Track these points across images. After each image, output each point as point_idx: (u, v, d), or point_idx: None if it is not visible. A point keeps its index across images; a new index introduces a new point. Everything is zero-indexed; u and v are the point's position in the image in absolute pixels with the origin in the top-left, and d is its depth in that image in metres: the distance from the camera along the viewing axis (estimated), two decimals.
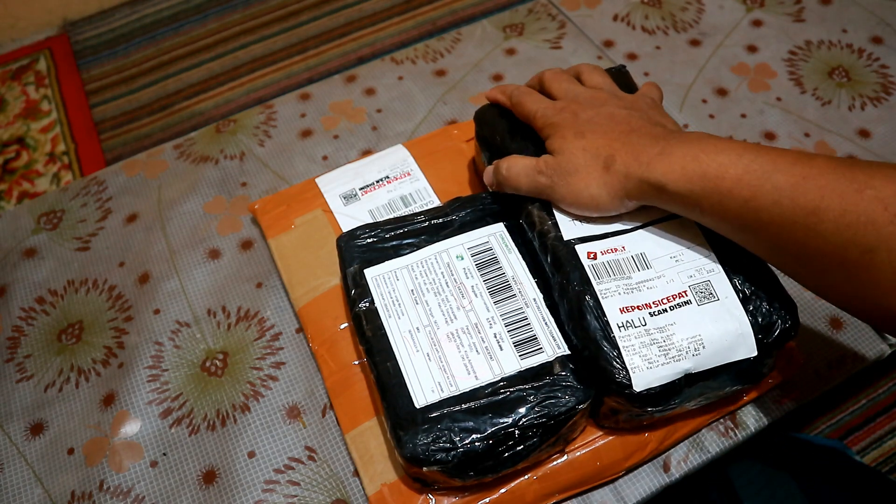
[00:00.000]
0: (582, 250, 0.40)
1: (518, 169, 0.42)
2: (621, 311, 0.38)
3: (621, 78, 0.51)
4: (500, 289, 0.42)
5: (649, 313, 0.38)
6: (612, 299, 0.39)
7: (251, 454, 0.45)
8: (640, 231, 0.41)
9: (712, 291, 0.39)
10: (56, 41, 1.52)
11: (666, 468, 0.43)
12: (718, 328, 0.38)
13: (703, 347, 0.38)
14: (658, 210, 0.42)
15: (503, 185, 0.44)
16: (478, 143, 0.50)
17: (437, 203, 0.52)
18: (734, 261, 0.40)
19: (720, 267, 0.40)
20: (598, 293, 0.39)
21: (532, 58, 0.66)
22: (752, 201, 0.34)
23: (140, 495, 0.44)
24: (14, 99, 1.42)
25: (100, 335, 0.51)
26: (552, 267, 0.41)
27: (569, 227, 0.41)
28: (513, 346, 0.40)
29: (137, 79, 1.41)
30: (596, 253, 0.40)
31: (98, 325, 0.52)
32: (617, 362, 0.37)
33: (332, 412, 0.46)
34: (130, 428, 0.47)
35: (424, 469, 0.37)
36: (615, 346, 0.37)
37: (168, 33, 1.49)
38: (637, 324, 0.38)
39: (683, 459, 0.44)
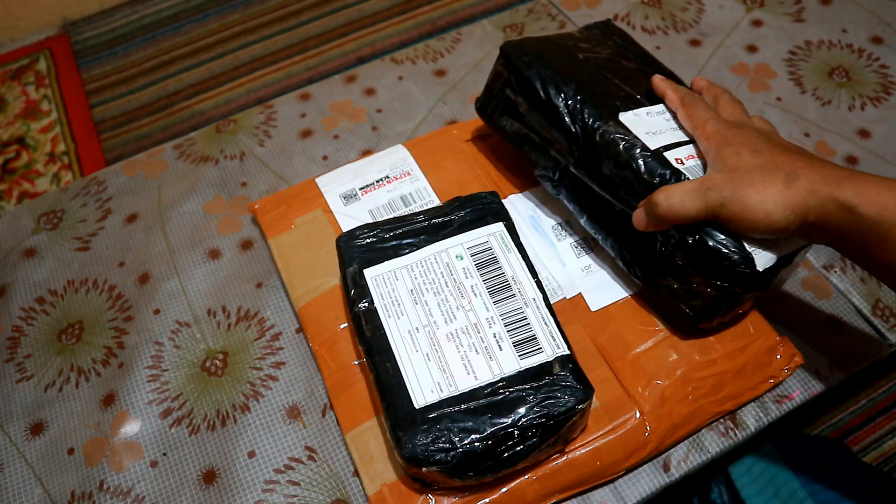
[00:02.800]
0: (671, 156, 0.42)
1: (680, 195, 0.39)
2: None
3: (609, 30, 0.53)
4: (499, 289, 0.42)
5: None
6: None
7: (251, 454, 0.45)
8: None
9: None
10: (56, 41, 1.52)
11: (666, 468, 0.43)
12: None
13: None
14: None
15: (664, 220, 0.40)
16: (512, 80, 0.49)
17: (437, 203, 0.52)
18: None
19: None
20: None
21: None
22: None
23: (140, 495, 0.44)
24: (14, 99, 1.42)
25: (100, 335, 0.51)
26: (645, 176, 0.42)
27: (650, 140, 0.44)
28: (512, 346, 0.40)
29: (137, 79, 1.41)
30: (682, 158, 0.43)
31: (98, 325, 0.52)
32: (736, 247, 0.39)
33: (332, 412, 0.46)
34: (130, 428, 0.47)
35: (424, 469, 0.37)
36: (728, 234, 0.39)
37: (168, 33, 1.49)
38: None
39: (683, 459, 0.44)
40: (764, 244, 0.40)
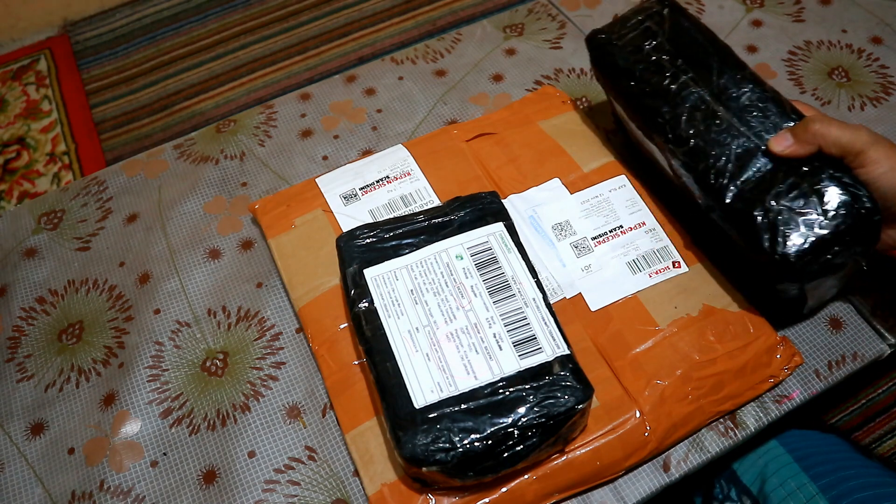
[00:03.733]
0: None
1: (838, 125, 0.41)
2: None
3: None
4: (499, 288, 0.42)
5: None
6: None
7: (251, 454, 0.45)
8: None
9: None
10: (56, 41, 1.52)
11: (666, 468, 0.43)
12: None
13: None
14: None
15: (814, 141, 0.41)
16: (640, 17, 0.51)
17: (437, 203, 0.52)
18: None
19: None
20: None
21: (532, 58, 0.66)
22: None
23: (140, 495, 0.44)
24: (14, 99, 1.43)
25: (100, 335, 0.51)
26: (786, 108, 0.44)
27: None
28: (512, 346, 0.40)
29: (138, 79, 1.42)
30: None
31: (98, 324, 0.52)
32: (867, 193, 0.40)
33: (333, 412, 0.46)
34: (131, 428, 0.47)
35: (424, 469, 0.37)
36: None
37: (168, 33, 1.49)
38: None
39: (683, 459, 0.44)
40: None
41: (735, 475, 0.52)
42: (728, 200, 0.43)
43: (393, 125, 0.62)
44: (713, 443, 0.44)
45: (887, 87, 0.62)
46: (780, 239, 0.40)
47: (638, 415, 0.42)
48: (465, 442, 0.37)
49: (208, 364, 0.49)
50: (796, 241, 0.40)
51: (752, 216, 0.42)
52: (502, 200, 0.49)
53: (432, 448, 0.37)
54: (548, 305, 0.42)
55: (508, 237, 0.45)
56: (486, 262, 0.44)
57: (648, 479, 0.43)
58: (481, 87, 0.64)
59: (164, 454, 0.46)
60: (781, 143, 0.43)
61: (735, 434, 0.44)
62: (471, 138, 0.57)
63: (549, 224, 0.51)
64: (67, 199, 0.60)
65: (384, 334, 0.41)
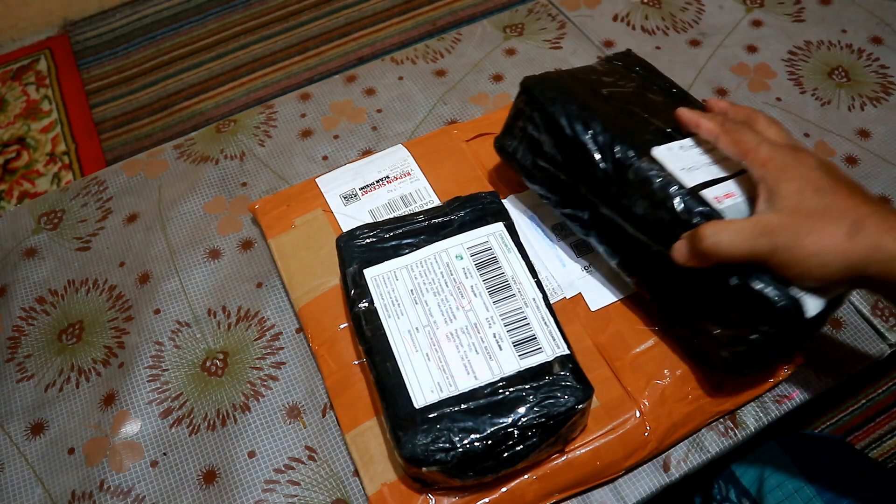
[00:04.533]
0: (709, 195, 0.40)
1: (731, 234, 0.36)
2: None
3: (630, 61, 0.52)
4: (499, 288, 0.42)
5: None
6: None
7: (251, 454, 0.45)
8: (740, 176, 0.41)
9: None
10: (56, 41, 1.52)
11: (666, 468, 0.43)
12: None
13: None
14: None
15: (707, 256, 0.37)
16: (535, 112, 0.46)
17: (437, 203, 0.52)
18: None
19: None
20: None
21: (532, 58, 0.66)
22: None
23: (140, 495, 0.44)
24: (14, 99, 1.42)
25: (100, 335, 0.51)
26: (683, 216, 0.40)
27: (686, 176, 0.41)
28: (512, 346, 0.40)
29: (138, 79, 1.41)
30: (720, 197, 0.40)
31: (98, 324, 0.52)
32: (782, 292, 0.36)
33: (333, 412, 0.46)
34: (131, 428, 0.47)
35: (424, 469, 0.37)
36: (775, 278, 0.37)
37: (168, 33, 1.49)
38: None
39: (683, 459, 0.44)
40: (811, 288, 0.37)
41: (734, 476, 0.52)
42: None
43: (393, 125, 0.62)
44: (713, 443, 0.44)
45: (887, 87, 0.62)
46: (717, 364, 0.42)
47: (638, 415, 0.42)
48: (465, 442, 0.37)
49: (208, 364, 0.49)
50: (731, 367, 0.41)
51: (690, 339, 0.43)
52: (502, 200, 0.49)
53: (432, 448, 0.37)
54: (548, 305, 0.42)
55: (508, 237, 0.45)
56: (486, 262, 0.44)
57: (648, 479, 0.43)
58: (481, 87, 0.64)
59: (164, 454, 0.46)
60: (680, 257, 0.39)
61: (735, 434, 0.44)
62: (471, 138, 0.57)
63: (549, 224, 0.51)
64: (67, 199, 0.60)
65: (384, 334, 0.41)
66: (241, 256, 0.54)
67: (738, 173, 0.42)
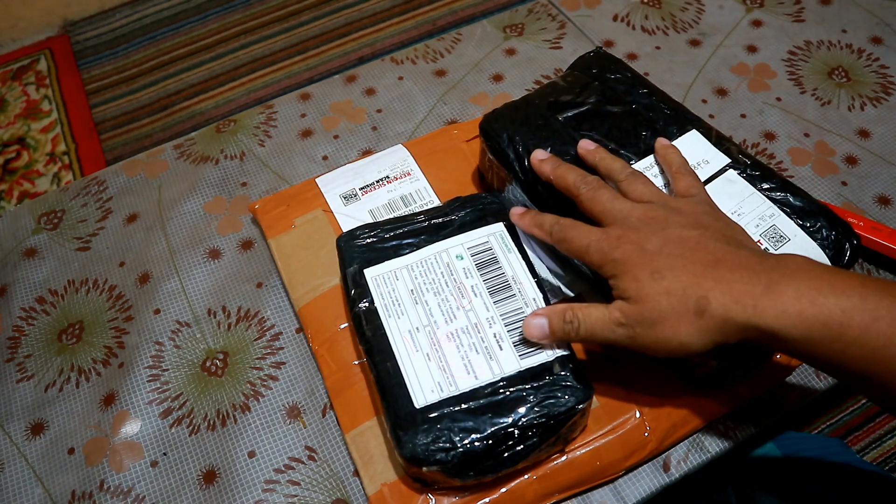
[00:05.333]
0: None
1: (592, 322, 0.36)
2: None
3: (601, 60, 0.52)
4: (499, 289, 0.42)
5: None
6: None
7: (251, 454, 0.45)
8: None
9: (782, 234, 0.41)
10: (56, 41, 1.52)
11: (666, 468, 0.43)
12: None
13: None
14: (701, 170, 0.43)
15: (573, 340, 0.38)
16: (493, 157, 0.49)
17: (437, 203, 0.52)
18: (784, 200, 0.43)
19: (778, 209, 0.42)
20: None
21: (532, 58, 0.66)
22: (881, 350, 0.30)
23: (140, 495, 0.44)
24: (14, 99, 1.43)
25: (100, 335, 0.51)
26: None
27: None
28: (512, 345, 0.40)
29: (138, 79, 1.41)
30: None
31: (98, 324, 0.52)
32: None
33: (333, 412, 0.46)
34: (131, 428, 0.47)
35: (424, 469, 0.37)
36: None
37: (168, 33, 1.49)
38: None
39: (683, 459, 0.44)
40: None
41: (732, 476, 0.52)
42: None
43: (393, 125, 0.62)
44: (713, 443, 0.44)
45: (887, 87, 0.62)
46: None
47: (638, 415, 0.42)
48: (466, 442, 0.37)
49: (208, 364, 0.49)
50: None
51: None
52: (502, 200, 0.48)
53: (433, 448, 0.37)
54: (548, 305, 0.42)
55: (509, 237, 0.45)
56: (486, 262, 0.44)
57: (648, 479, 0.43)
58: (481, 87, 0.64)
59: (164, 454, 0.46)
60: (536, 333, 0.38)
61: (735, 434, 0.44)
62: (471, 138, 0.57)
63: None
64: (67, 199, 0.60)
65: (384, 334, 0.41)
66: (241, 256, 0.54)
67: None
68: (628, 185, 0.40)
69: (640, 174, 0.41)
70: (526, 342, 0.40)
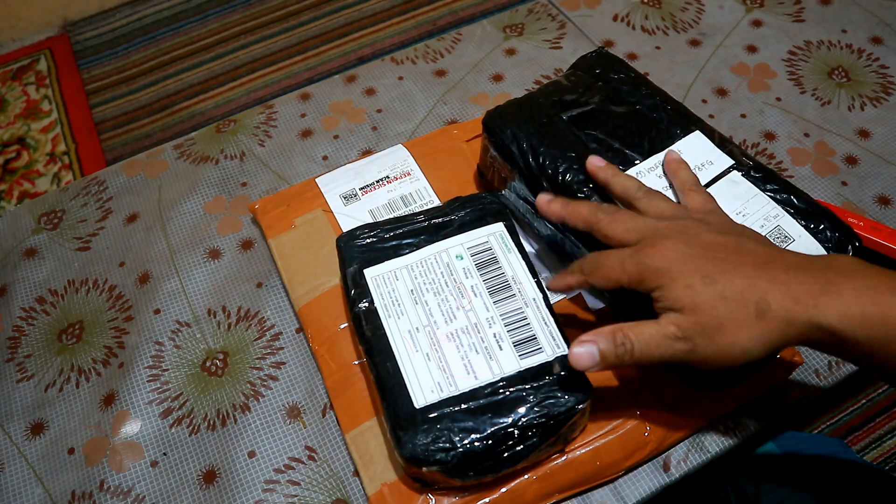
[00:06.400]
0: None
1: (646, 340, 0.34)
2: None
3: (603, 60, 0.52)
4: (499, 289, 0.42)
5: None
6: None
7: (251, 454, 0.45)
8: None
9: (787, 234, 0.41)
10: (56, 41, 1.52)
11: (666, 468, 0.43)
12: None
13: None
14: (704, 172, 0.43)
15: (627, 363, 0.35)
16: (495, 152, 0.49)
17: (437, 203, 0.52)
18: (788, 202, 0.43)
19: (783, 210, 0.42)
20: None
21: (532, 58, 0.66)
22: None
23: (140, 495, 0.44)
24: (14, 99, 1.42)
25: (100, 335, 0.51)
26: None
27: None
28: (512, 346, 0.40)
29: (138, 79, 1.41)
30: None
31: (98, 324, 0.52)
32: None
33: (333, 412, 0.46)
34: (131, 428, 0.47)
35: (424, 469, 0.37)
36: None
37: (168, 33, 1.49)
38: None
39: (683, 459, 0.44)
40: None
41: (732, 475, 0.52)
42: None
43: (393, 125, 0.62)
44: (713, 443, 0.44)
45: (887, 87, 0.62)
46: None
47: (638, 414, 0.42)
48: (466, 442, 0.37)
49: (208, 364, 0.49)
50: None
51: None
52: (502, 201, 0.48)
53: (432, 448, 0.37)
54: (548, 305, 0.42)
55: (508, 237, 0.45)
56: (486, 262, 0.44)
57: (648, 479, 0.43)
58: (481, 87, 0.64)
59: (164, 454, 0.46)
60: (586, 362, 0.35)
61: (735, 434, 0.44)
62: (471, 138, 0.57)
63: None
64: (67, 199, 0.60)
65: (384, 334, 0.41)
66: (241, 256, 0.54)
67: None
68: (648, 202, 0.39)
69: (656, 191, 0.40)
70: (526, 342, 0.40)
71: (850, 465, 0.51)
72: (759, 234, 0.37)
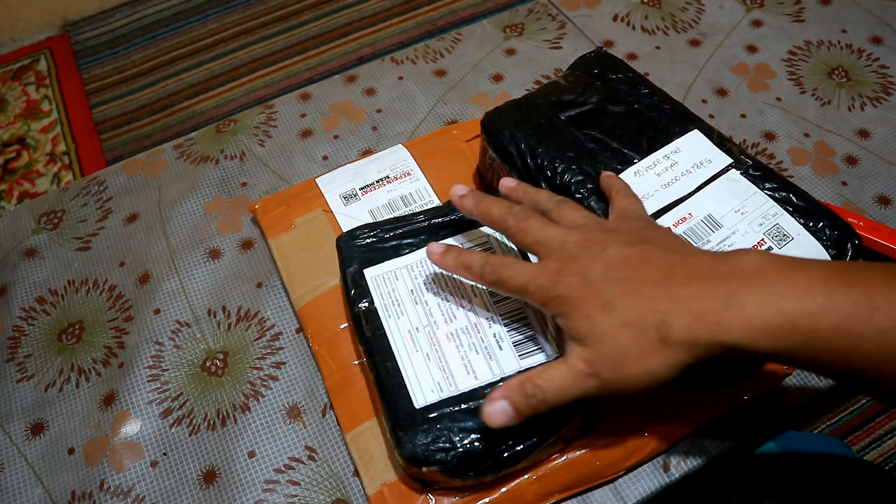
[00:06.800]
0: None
1: (557, 385, 0.33)
2: None
3: (602, 60, 0.52)
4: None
5: None
6: None
7: (251, 454, 0.45)
8: (697, 194, 0.43)
9: (786, 233, 0.41)
10: (56, 41, 1.52)
11: (666, 468, 0.43)
12: None
13: None
14: (703, 170, 0.43)
15: (543, 410, 0.34)
16: (494, 154, 0.49)
17: (437, 203, 0.52)
18: (787, 200, 0.43)
19: (781, 208, 0.42)
20: None
21: (532, 58, 0.66)
22: (853, 350, 0.29)
23: (140, 495, 0.44)
24: (14, 99, 1.42)
25: (100, 335, 0.51)
26: None
27: None
28: (512, 345, 0.40)
29: (138, 79, 1.41)
30: (669, 227, 0.42)
31: (98, 324, 0.52)
32: None
33: (332, 412, 0.46)
34: (131, 428, 0.47)
35: (424, 469, 0.37)
36: None
37: (168, 33, 1.49)
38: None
39: (683, 459, 0.44)
40: None
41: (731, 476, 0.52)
42: None
43: (393, 125, 0.62)
44: (713, 443, 0.44)
45: (887, 87, 0.62)
46: None
47: (638, 414, 0.42)
48: (466, 442, 0.37)
49: (208, 364, 0.49)
50: None
51: None
52: None
53: (432, 448, 0.37)
54: None
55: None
56: None
57: (648, 479, 0.43)
58: (481, 87, 0.64)
59: (164, 454, 0.46)
60: (500, 418, 0.33)
61: (735, 434, 0.44)
62: (471, 138, 0.57)
63: None
64: (67, 199, 0.60)
65: (384, 334, 0.41)
66: (241, 256, 0.54)
67: (698, 190, 0.43)
68: (558, 212, 0.38)
69: (568, 201, 0.39)
70: (525, 342, 0.40)
71: (851, 464, 0.51)
72: (669, 236, 0.36)
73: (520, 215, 0.37)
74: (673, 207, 0.43)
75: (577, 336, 0.33)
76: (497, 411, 0.33)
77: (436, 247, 0.40)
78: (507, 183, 0.42)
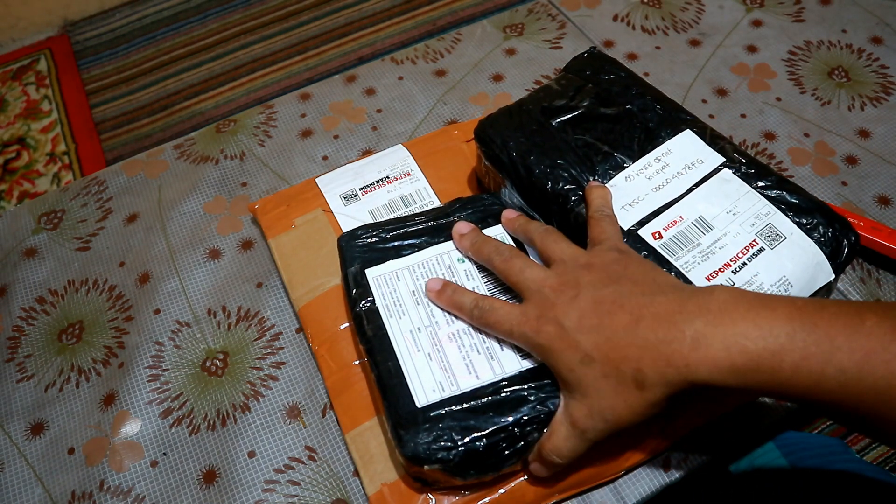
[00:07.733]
0: (646, 233, 0.41)
1: (569, 448, 0.37)
2: (707, 278, 0.39)
3: (595, 61, 0.52)
4: (501, 291, 0.42)
5: (732, 272, 0.39)
6: (696, 270, 0.40)
7: (251, 454, 0.45)
8: (688, 196, 0.43)
9: (778, 232, 0.41)
10: (56, 41, 1.52)
11: (666, 468, 0.43)
12: (797, 264, 0.40)
13: (791, 286, 0.39)
14: (695, 171, 0.43)
15: (567, 464, 0.38)
16: (488, 162, 0.48)
17: (437, 203, 0.52)
18: (780, 198, 0.43)
19: (774, 207, 0.42)
20: (680, 269, 0.39)
21: (532, 58, 0.66)
22: (815, 387, 0.30)
23: (140, 495, 0.44)
24: (14, 99, 1.43)
25: (100, 335, 0.51)
26: None
27: (621, 217, 0.42)
28: (513, 346, 0.40)
29: (138, 79, 1.42)
30: (659, 231, 0.41)
31: (98, 324, 0.52)
32: None
33: (333, 412, 0.46)
34: (131, 428, 0.47)
35: (426, 468, 0.37)
36: None
37: (168, 33, 1.49)
38: (726, 285, 0.37)
39: (683, 459, 0.44)
40: None
41: (731, 476, 0.52)
42: None
43: (393, 125, 0.62)
44: (713, 443, 0.44)
45: (887, 87, 0.62)
46: None
47: None
48: (467, 440, 0.37)
49: (208, 364, 0.49)
50: None
51: None
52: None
53: (434, 447, 0.37)
54: None
55: (510, 239, 0.45)
56: None
57: (648, 479, 0.43)
58: (481, 87, 0.64)
59: (164, 454, 0.46)
60: (544, 473, 0.39)
61: (735, 434, 0.44)
62: (471, 139, 0.57)
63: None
64: (67, 199, 0.60)
65: (386, 334, 0.41)
66: (241, 256, 0.54)
67: (690, 191, 0.43)
68: (542, 244, 0.41)
69: (552, 230, 0.41)
70: None
71: (851, 464, 0.51)
72: (640, 267, 0.37)
73: (504, 255, 0.41)
74: (664, 211, 0.43)
75: (567, 387, 0.36)
76: (536, 470, 0.39)
77: (434, 283, 0.42)
78: (508, 215, 0.45)
